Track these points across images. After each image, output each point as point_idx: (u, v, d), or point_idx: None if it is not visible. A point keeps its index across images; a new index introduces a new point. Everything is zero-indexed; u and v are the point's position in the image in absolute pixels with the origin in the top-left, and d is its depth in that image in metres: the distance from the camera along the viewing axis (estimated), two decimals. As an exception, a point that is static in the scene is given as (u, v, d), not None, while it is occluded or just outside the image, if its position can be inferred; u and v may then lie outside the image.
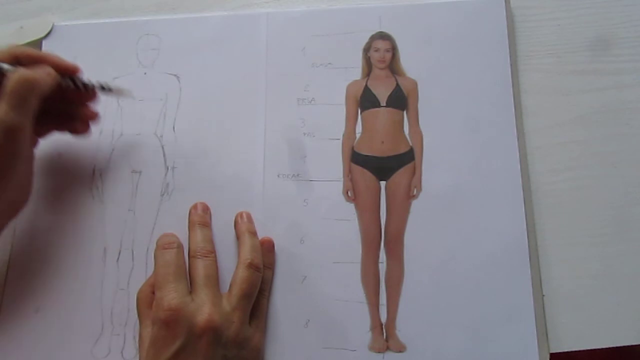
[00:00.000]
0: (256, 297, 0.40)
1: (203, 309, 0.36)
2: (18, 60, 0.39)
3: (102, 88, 0.43)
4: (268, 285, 0.42)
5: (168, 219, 0.44)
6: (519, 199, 0.42)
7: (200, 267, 0.39)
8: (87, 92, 0.43)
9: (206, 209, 0.43)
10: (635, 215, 0.43)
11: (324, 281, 0.42)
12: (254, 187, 0.44)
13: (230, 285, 0.39)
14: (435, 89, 0.45)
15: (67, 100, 0.43)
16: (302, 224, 0.43)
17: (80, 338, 0.42)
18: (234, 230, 0.43)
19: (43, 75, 0.38)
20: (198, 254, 0.40)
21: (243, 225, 0.42)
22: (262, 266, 0.41)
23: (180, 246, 0.40)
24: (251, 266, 0.39)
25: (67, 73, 0.41)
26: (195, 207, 0.43)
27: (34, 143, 0.43)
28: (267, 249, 0.42)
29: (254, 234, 0.42)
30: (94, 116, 0.45)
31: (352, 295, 0.41)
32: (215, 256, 0.41)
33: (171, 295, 0.37)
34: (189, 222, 0.43)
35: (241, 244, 0.41)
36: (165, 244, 0.40)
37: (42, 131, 0.44)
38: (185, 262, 0.40)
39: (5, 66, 0.37)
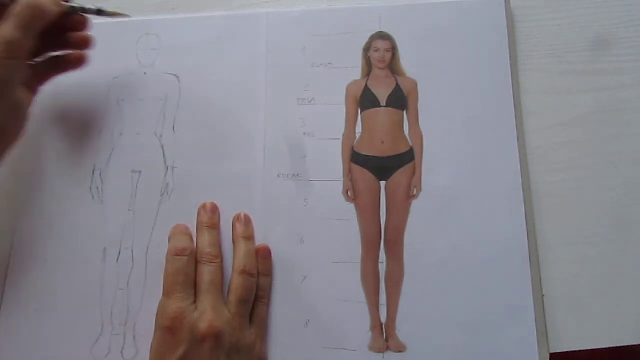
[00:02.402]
0: (255, 305, 0.40)
1: (204, 316, 0.37)
2: None
3: (99, 12, 0.44)
4: (267, 292, 0.41)
5: (168, 219, 0.44)
6: (519, 199, 0.42)
7: (205, 273, 0.39)
8: (77, 18, 0.43)
9: (215, 210, 0.43)
10: (635, 215, 0.43)
11: (324, 281, 0.42)
12: (254, 187, 0.44)
13: (227, 293, 0.40)
14: (435, 89, 0.45)
15: (60, 29, 0.43)
16: (302, 224, 0.43)
17: (80, 338, 0.42)
18: (233, 230, 0.43)
19: (49, 2, 0.40)
20: (204, 259, 0.40)
21: (239, 229, 0.42)
22: (256, 271, 0.41)
23: (192, 253, 0.40)
24: (244, 272, 0.40)
25: None
26: (204, 206, 0.43)
27: (34, 88, 0.43)
28: (263, 256, 0.42)
29: (248, 238, 0.42)
30: (87, 40, 0.44)
31: (352, 295, 0.41)
32: (222, 261, 0.41)
33: (176, 304, 0.37)
34: (198, 223, 0.43)
35: (235, 251, 0.41)
36: (178, 250, 0.40)
37: (42, 75, 0.44)
38: (194, 270, 0.40)
39: None
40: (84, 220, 0.44)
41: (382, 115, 0.45)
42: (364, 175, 0.44)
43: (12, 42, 0.38)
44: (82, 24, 0.44)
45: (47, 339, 0.42)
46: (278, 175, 0.44)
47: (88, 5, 0.43)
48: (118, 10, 0.44)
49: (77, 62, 0.45)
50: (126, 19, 0.45)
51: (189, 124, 0.46)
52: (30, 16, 0.39)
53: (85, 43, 0.44)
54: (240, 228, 0.42)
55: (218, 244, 0.42)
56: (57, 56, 0.44)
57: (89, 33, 0.44)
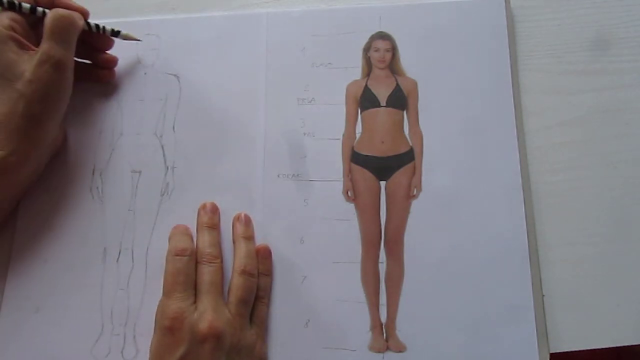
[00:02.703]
0: (255, 305, 0.40)
1: (205, 316, 0.37)
2: (36, 3, 0.42)
3: (112, 32, 0.46)
4: (267, 292, 0.41)
5: (168, 219, 0.44)
6: (519, 199, 0.42)
7: (205, 274, 0.39)
8: (101, 38, 0.45)
9: (215, 210, 0.43)
10: (635, 215, 0.43)
11: (324, 281, 0.42)
12: (254, 187, 0.44)
13: (228, 294, 0.40)
14: (435, 89, 0.45)
15: (87, 46, 0.45)
16: (302, 224, 0.43)
17: (80, 338, 0.42)
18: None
19: (75, 15, 0.41)
20: (204, 259, 0.40)
21: (239, 229, 0.42)
22: (257, 271, 0.41)
23: (192, 253, 0.40)
24: (244, 273, 0.40)
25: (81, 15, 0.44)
26: (204, 206, 0.43)
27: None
28: (264, 256, 0.42)
29: (249, 238, 0.42)
30: (113, 60, 0.47)
31: (352, 295, 0.41)
32: (222, 261, 0.41)
33: (176, 304, 0.37)
34: (198, 223, 0.43)
35: (236, 251, 0.41)
36: (178, 250, 0.40)
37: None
38: (194, 270, 0.40)
39: (40, 9, 0.40)
40: (84, 220, 0.44)
41: (382, 115, 0.45)
42: (364, 175, 0.44)
43: (60, 61, 0.39)
44: (108, 45, 0.47)
45: (47, 339, 0.42)
46: (278, 175, 0.44)
47: (107, 26, 0.45)
48: (131, 35, 0.47)
49: (104, 78, 0.47)
50: (128, 19, 0.46)
51: (189, 124, 0.46)
52: (66, 29, 0.40)
53: (112, 62, 0.47)
54: (240, 228, 0.42)
55: (218, 244, 0.42)
56: (82, 67, 0.46)
57: (112, 55, 0.47)
